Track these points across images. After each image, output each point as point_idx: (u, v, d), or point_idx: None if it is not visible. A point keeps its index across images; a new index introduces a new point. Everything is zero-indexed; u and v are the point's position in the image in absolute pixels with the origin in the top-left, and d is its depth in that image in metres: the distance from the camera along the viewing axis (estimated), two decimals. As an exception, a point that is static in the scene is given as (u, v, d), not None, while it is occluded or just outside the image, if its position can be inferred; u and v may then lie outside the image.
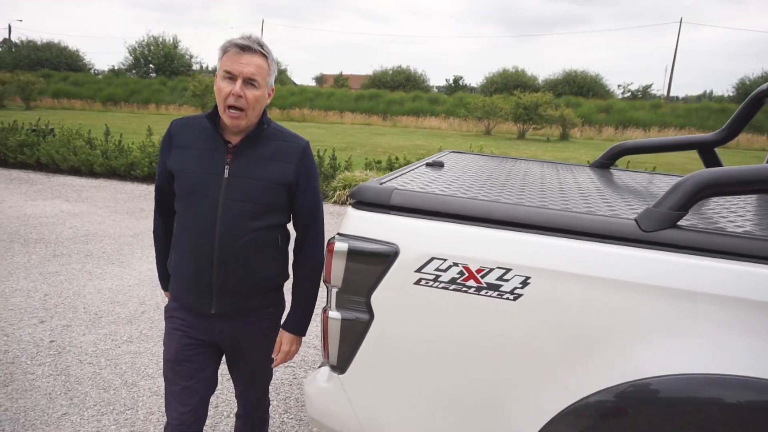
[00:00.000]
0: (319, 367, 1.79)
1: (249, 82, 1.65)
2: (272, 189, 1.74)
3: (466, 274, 1.46)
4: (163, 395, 2.16)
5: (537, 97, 24.73)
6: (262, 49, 1.69)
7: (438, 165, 2.32)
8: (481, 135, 25.48)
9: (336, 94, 34.98)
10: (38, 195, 7.92)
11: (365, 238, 1.54)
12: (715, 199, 2.10)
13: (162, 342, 2.10)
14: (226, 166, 1.71)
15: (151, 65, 40.75)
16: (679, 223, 1.43)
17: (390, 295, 1.52)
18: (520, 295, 1.42)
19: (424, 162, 2.37)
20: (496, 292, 1.43)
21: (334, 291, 1.59)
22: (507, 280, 1.43)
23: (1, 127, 10.37)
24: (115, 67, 41.43)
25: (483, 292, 1.44)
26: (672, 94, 45.61)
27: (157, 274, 2.00)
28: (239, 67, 1.64)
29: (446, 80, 44.13)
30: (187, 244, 1.74)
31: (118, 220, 6.74)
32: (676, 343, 1.35)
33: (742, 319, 1.30)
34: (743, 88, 34.02)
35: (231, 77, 1.66)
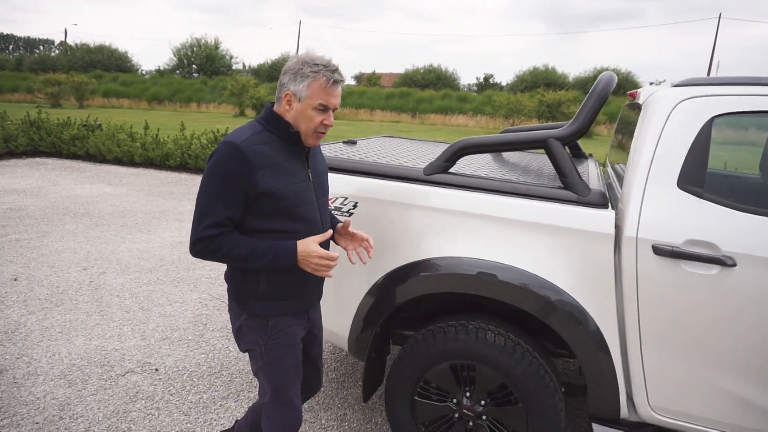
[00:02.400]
0: None
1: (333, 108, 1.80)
2: (327, 178, 2.03)
3: (324, 202, 2.40)
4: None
5: (560, 95, 25.11)
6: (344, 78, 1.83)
7: (351, 142, 3.26)
8: (506, 132, 26.00)
9: (368, 92, 35.97)
10: (86, 180, 9.21)
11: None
12: (481, 157, 2.99)
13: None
14: (309, 171, 1.88)
15: (193, 65, 42.85)
16: (451, 170, 2.32)
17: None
18: (352, 213, 2.35)
19: (343, 141, 3.31)
20: (339, 212, 2.37)
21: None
22: (345, 204, 2.36)
23: (56, 123, 11.84)
24: (161, 68, 43.71)
25: (331, 211, 2.38)
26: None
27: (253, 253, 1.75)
28: (334, 100, 1.76)
29: (476, 78, 44.55)
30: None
31: (150, 200, 7.92)
32: (446, 239, 2.24)
33: (480, 225, 2.19)
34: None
35: (324, 109, 1.76)
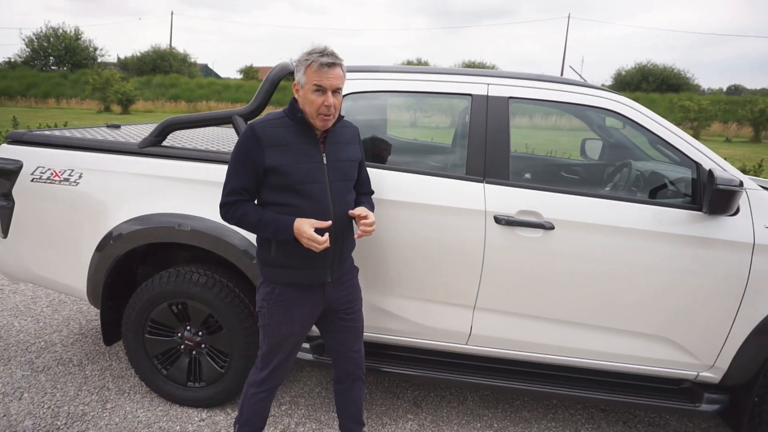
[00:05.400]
0: None
1: (335, 90, 1.97)
2: (354, 167, 2.16)
3: (54, 174, 2.76)
4: None
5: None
6: (341, 60, 1.99)
7: (115, 126, 3.62)
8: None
9: (244, 86, 35.48)
10: None
11: (4, 159, 2.81)
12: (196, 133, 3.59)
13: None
14: (324, 154, 2.06)
15: (51, 57, 39.52)
16: (163, 143, 2.80)
17: (20, 188, 2.80)
18: (78, 183, 2.75)
19: (107, 124, 3.66)
20: (68, 183, 2.75)
21: (-8, 189, 2.83)
22: (72, 176, 2.75)
23: None
24: (12, 60, 39.83)
25: (60, 183, 2.76)
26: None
27: (273, 227, 2.01)
28: (328, 81, 1.94)
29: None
30: None
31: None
32: (156, 200, 2.68)
33: (184, 186, 2.67)
34: (619, 78, 37.65)
35: (321, 90, 1.95)
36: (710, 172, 2.21)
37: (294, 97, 2.07)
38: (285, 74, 2.75)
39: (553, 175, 3.50)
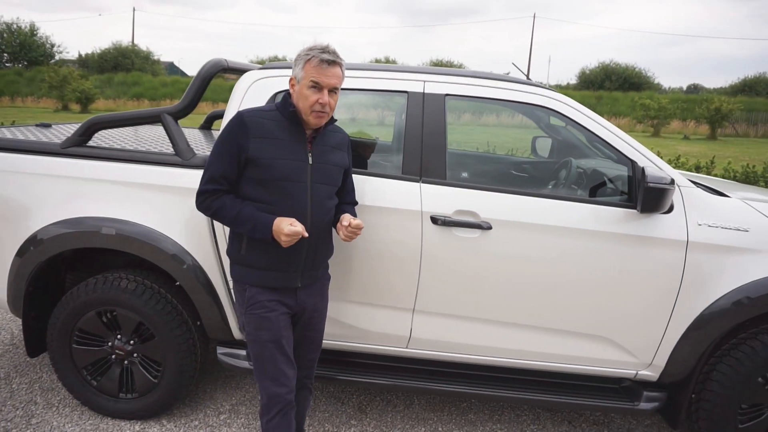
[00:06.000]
0: None
1: (332, 90, 1.92)
2: (339, 172, 2.07)
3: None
4: None
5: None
6: (341, 60, 1.94)
7: (45, 125, 3.44)
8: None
9: (210, 84, 34.76)
10: None
11: None
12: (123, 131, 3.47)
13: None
14: (309, 154, 1.97)
15: (5, 54, 38.07)
16: (88, 143, 2.65)
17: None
18: None
19: (37, 123, 3.48)
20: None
21: None
22: (-12, 178, 2.58)
23: None
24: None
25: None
26: (548, 83, 49.84)
27: (253, 223, 1.91)
28: (326, 79, 1.88)
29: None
30: None
31: None
32: (81, 203, 2.54)
33: (109, 188, 2.52)
34: (583, 77, 38.37)
35: (317, 87, 1.89)
36: (642, 170, 2.20)
37: (288, 92, 2.00)
38: (217, 71, 2.64)
39: (493, 174, 3.47)
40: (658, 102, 25.33)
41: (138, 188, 2.51)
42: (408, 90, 2.45)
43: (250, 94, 2.51)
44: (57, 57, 39.84)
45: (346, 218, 2.00)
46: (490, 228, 2.33)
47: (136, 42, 45.30)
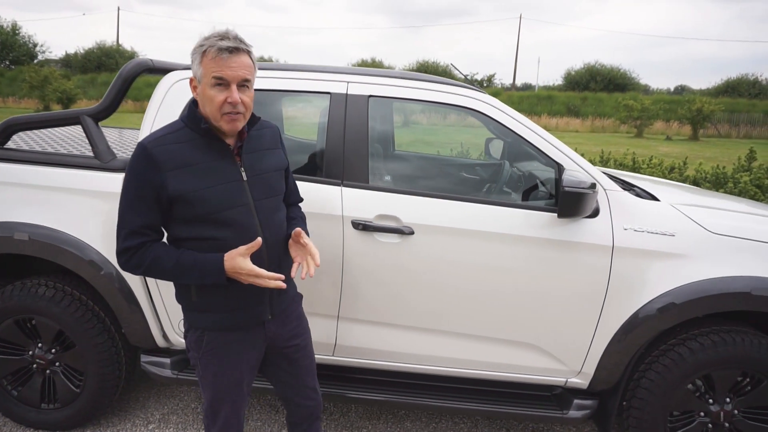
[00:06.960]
0: None
1: (242, 84, 1.58)
2: (280, 177, 1.77)
3: None
4: None
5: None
6: (248, 46, 1.60)
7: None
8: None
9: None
10: None
11: None
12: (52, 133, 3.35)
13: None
14: (241, 169, 1.66)
15: (-14, 54, 37.65)
16: (6, 146, 2.56)
17: None
18: None
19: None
20: None
21: None
22: None
23: None
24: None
25: None
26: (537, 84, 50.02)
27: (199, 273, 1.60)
28: (230, 72, 1.53)
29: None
30: None
31: None
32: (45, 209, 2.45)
33: (27, 192, 2.42)
34: (569, 78, 38.55)
35: (223, 83, 1.55)
36: (561, 173, 2.15)
37: (193, 99, 1.66)
38: (140, 71, 2.55)
39: (423, 178, 3.40)
40: (641, 103, 25.47)
41: (54, 192, 2.43)
42: (331, 91, 2.39)
43: (170, 96, 2.43)
44: (40, 56, 39.41)
45: (302, 237, 1.71)
46: (412, 233, 2.27)
47: (121, 42, 44.90)
